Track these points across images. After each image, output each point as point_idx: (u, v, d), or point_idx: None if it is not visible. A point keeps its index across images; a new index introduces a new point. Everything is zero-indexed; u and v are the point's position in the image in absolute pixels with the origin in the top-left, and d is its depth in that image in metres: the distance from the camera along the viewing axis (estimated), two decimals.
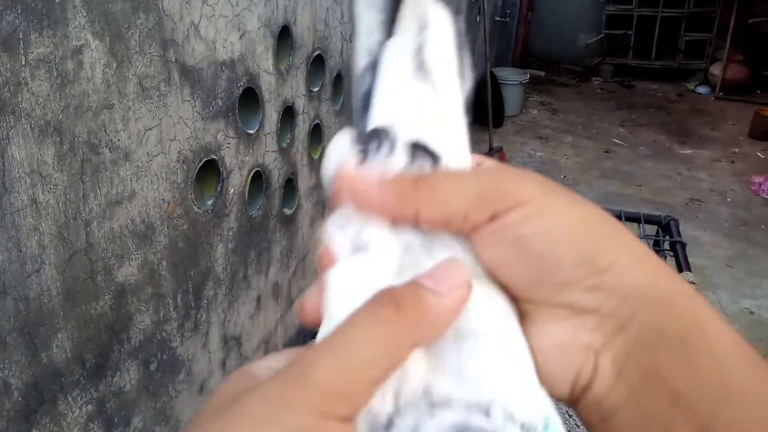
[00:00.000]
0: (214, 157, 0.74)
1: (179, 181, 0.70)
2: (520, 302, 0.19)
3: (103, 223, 0.62)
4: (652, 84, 4.28)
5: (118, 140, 0.63)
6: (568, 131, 3.24)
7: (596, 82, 4.33)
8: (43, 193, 0.58)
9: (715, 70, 4.00)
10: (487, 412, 0.16)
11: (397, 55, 0.21)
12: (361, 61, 0.21)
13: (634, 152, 2.97)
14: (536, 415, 0.16)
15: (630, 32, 4.33)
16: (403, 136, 0.20)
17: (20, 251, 0.57)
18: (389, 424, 0.16)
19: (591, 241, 0.18)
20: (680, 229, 1.01)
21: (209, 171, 0.75)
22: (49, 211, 0.59)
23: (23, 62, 0.55)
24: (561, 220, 0.19)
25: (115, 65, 0.62)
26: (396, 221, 0.19)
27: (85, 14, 0.60)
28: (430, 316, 0.16)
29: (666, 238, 1.00)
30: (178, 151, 0.69)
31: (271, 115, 0.84)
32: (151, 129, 0.65)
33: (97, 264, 0.62)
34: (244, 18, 0.74)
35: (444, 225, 0.19)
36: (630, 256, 0.18)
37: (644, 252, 0.19)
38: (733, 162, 2.86)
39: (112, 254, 0.63)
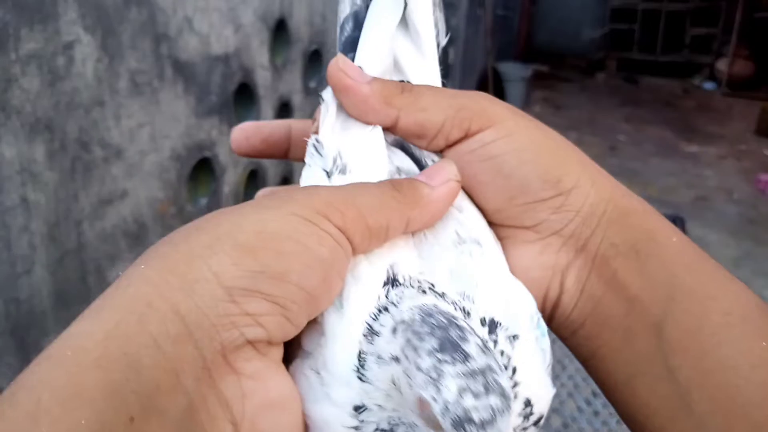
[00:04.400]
0: (209, 154, 0.73)
1: (172, 180, 0.68)
2: (492, 227, 0.21)
3: (95, 222, 0.61)
4: (657, 79, 4.24)
5: (110, 138, 0.61)
6: (571, 128, 3.21)
7: (600, 77, 4.29)
8: (33, 192, 0.57)
9: (721, 65, 3.96)
10: (465, 312, 0.17)
11: (383, 8, 0.22)
12: (344, 9, 0.23)
13: (639, 149, 2.94)
14: (519, 319, 0.18)
15: (635, 26, 4.29)
16: (385, 75, 0.21)
17: (10, 251, 0.55)
18: (388, 288, 0.17)
19: (556, 163, 0.20)
20: (687, 227, 0.99)
21: (203, 169, 0.74)
22: (40, 210, 0.58)
23: (14, 58, 0.54)
24: (529, 142, 0.20)
25: (106, 61, 0.60)
26: (375, 122, 0.20)
27: (76, 8, 0.58)
28: (424, 201, 0.18)
29: None
30: (171, 149, 0.68)
31: (267, 111, 0.82)
32: (143, 126, 0.64)
33: (89, 265, 0.61)
34: (238, 11, 0.72)
35: (419, 135, 0.20)
36: (591, 177, 0.20)
37: (602, 173, 0.21)
38: (739, 159, 2.83)
39: (104, 255, 0.62)
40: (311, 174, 0.20)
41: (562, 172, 0.20)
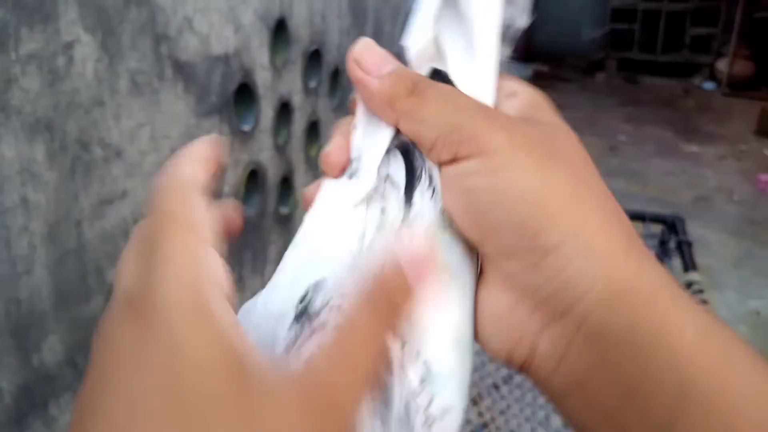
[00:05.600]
0: None
1: None
2: (479, 251, 0.18)
3: (95, 222, 0.61)
4: (657, 79, 4.24)
5: (110, 138, 0.61)
6: (572, 128, 3.21)
7: (600, 77, 4.30)
8: (33, 192, 0.57)
9: (721, 65, 3.96)
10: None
11: None
12: None
13: (639, 149, 2.94)
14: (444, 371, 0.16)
15: (635, 26, 4.29)
16: (429, 62, 0.19)
17: (10, 252, 0.55)
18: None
19: (539, 214, 0.16)
20: (687, 228, 0.99)
21: None
22: (40, 210, 0.58)
23: (14, 58, 0.54)
24: (513, 183, 0.17)
25: (106, 61, 0.60)
26: (384, 120, 0.19)
27: (76, 9, 0.58)
28: (407, 300, 0.16)
29: (672, 238, 0.98)
30: (171, 149, 0.68)
31: (267, 111, 0.83)
32: (143, 126, 0.64)
33: (89, 265, 0.61)
34: (238, 11, 0.73)
35: (417, 146, 0.19)
36: (584, 242, 0.16)
37: (604, 237, 0.16)
38: (739, 159, 2.83)
39: (104, 255, 0.62)
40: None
41: (541, 227, 0.16)
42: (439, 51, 0.19)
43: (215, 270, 0.15)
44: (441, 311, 0.17)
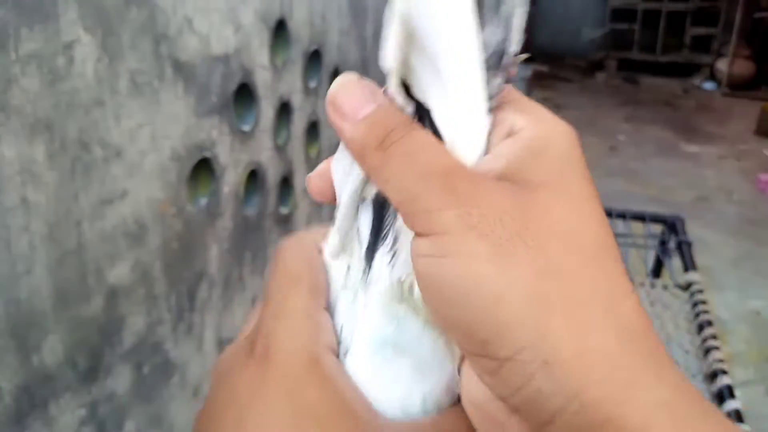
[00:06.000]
0: (209, 154, 0.73)
1: (172, 180, 0.68)
2: None
3: (95, 222, 0.61)
4: (657, 79, 4.24)
5: (110, 138, 0.62)
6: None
7: (600, 77, 4.30)
8: (33, 192, 0.57)
9: (722, 65, 3.96)
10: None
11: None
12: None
13: (639, 149, 2.94)
14: None
15: (635, 26, 4.30)
16: (411, 98, 0.16)
17: (10, 252, 0.55)
18: None
19: (489, 318, 0.13)
20: (686, 228, 0.99)
21: (203, 169, 0.74)
22: (40, 210, 0.58)
23: (14, 58, 0.54)
24: (461, 273, 0.13)
25: (106, 61, 0.60)
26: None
27: (76, 8, 0.58)
28: None
29: (672, 238, 0.98)
30: (171, 149, 0.68)
31: (267, 111, 0.83)
32: (143, 126, 0.64)
33: (89, 265, 0.61)
34: (238, 11, 0.73)
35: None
36: (544, 354, 0.13)
37: (573, 349, 0.13)
38: (739, 159, 2.83)
39: (104, 255, 0.62)
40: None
41: (491, 334, 0.13)
42: (421, 83, 0.16)
43: (328, 332, 0.17)
44: (374, 387, 0.16)
